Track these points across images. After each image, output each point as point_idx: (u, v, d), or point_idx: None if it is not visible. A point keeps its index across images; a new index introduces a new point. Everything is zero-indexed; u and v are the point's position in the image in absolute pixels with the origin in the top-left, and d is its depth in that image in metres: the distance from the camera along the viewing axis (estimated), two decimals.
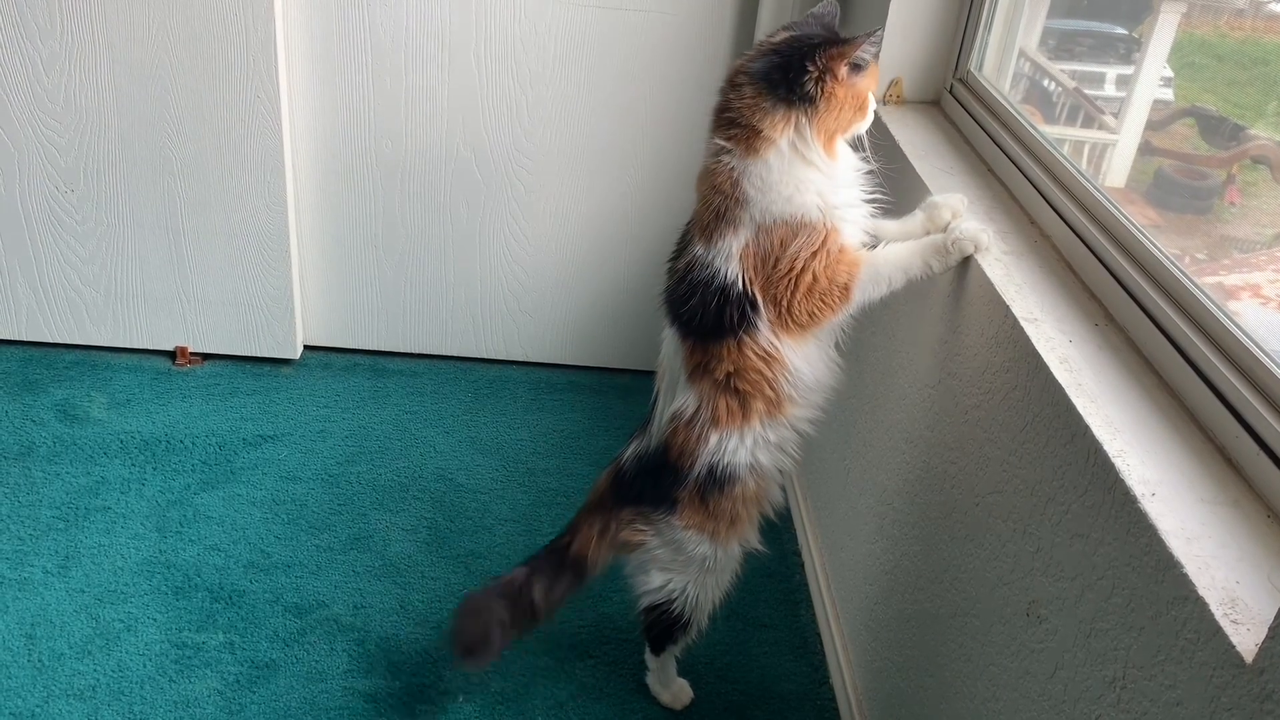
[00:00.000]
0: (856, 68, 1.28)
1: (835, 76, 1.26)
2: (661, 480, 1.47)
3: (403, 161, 2.36)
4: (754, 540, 1.56)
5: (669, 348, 1.45)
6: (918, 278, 1.34)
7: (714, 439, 1.40)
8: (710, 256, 1.32)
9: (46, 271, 2.40)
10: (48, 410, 2.30)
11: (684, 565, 1.54)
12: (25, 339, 2.49)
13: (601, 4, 2.20)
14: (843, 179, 1.32)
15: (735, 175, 1.29)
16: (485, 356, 2.62)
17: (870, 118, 1.34)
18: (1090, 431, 1.00)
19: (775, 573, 2.06)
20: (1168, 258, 1.15)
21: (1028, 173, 1.48)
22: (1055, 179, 1.42)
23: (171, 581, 1.90)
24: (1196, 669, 0.83)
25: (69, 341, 2.50)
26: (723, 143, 1.30)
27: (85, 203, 2.33)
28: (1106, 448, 0.98)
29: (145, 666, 1.73)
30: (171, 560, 1.94)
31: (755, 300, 1.32)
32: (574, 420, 2.45)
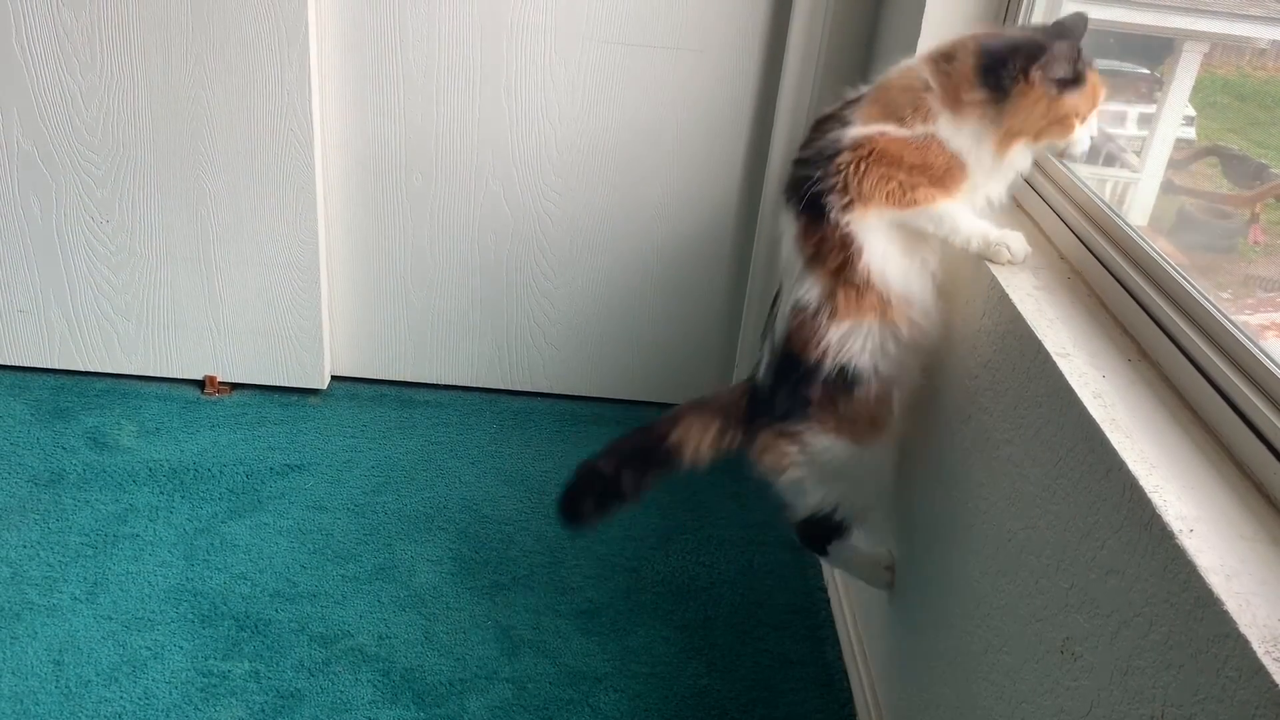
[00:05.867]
0: (1056, 81, 1.31)
1: (1028, 80, 1.31)
2: (793, 380, 1.45)
3: (432, 194, 2.39)
4: (894, 437, 1.53)
5: (787, 237, 1.44)
6: (956, 247, 1.39)
7: (835, 332, 1.40)
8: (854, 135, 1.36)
9: (80, 300, 2.44)
10: (78, 438, 2.32)
11: (837, 474, 1.50)
12: (58, 367, 2.52)
13: (629, 40, 2.23)
14: (994, 174, 1.37)
15: (930, 106, 1.35)
16: (511, 388, 2.63)
17: (1076, 137, 1.35)
18: (1126, 467, 1.00)
19: (801, 608, 2.05)
20: (1199, 292, 1.15)
21: (1057, 208, 1.49)
22: (1085, 214, 1.42)
23: (198, 609, 1.90)
24: (1238, 708, 0.82)
25: (100, 370, 2.53)
26: (930, 76, 1.36)
27: (120, 233, 2.37)
28: (1142, 483, 0.97)
29: (171, 694, 1.73)
30: (198, 588, 1.95)
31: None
32: (597, 452, 2.44)
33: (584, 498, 1.63)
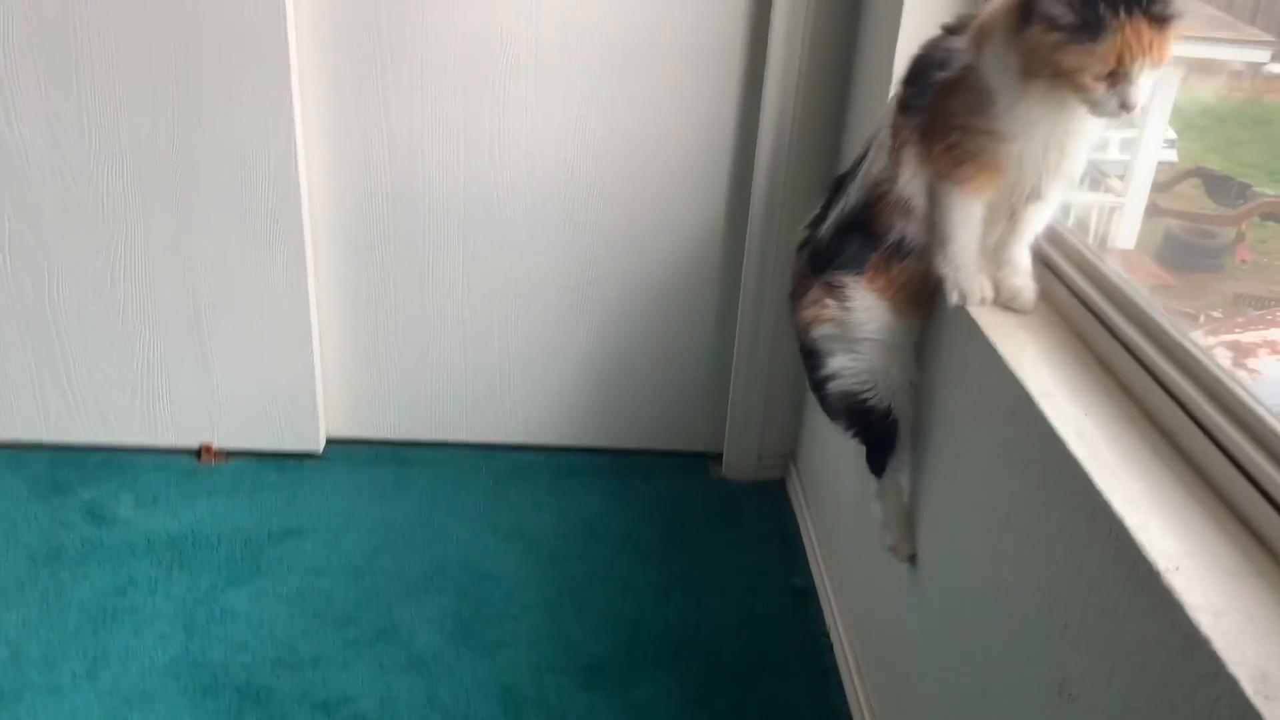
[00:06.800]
0: (1055, 23, 1.15)
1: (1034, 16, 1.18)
2: (857, 241, 1.45)
3: (421, 254, 2.41)
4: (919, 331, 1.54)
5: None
6: (936, 258, 1.39)
7: (900, 219, 1.40)
8: (966, 52, 1.29)
9: (75, 375, 2.45)
10: (76, 512, 2.32)
11: (862, 341, 1.49)
12: (54, 442, 2.53)
13: (610, 96, 2.26)
14: (1034, 121, 1.25)
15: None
16: (506, 442, 2.63)
17: (1097, 99, 1.17)
18: (1110, 506, 1.00)
19: (804, 654, 2.04)
20: (1174, 327, 1.16)
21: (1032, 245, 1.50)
22: (1060, 250, 1.43)
23: (199, 681, 1.89)
24: None
25: (96, 443, 2.53)
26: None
27: (112, 306, 2.38)
28: (1127, 522, 0.98)
29: None
30: (199, 659, 1.94)
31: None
32: (595, 504, 2.45)
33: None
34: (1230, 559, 0.94)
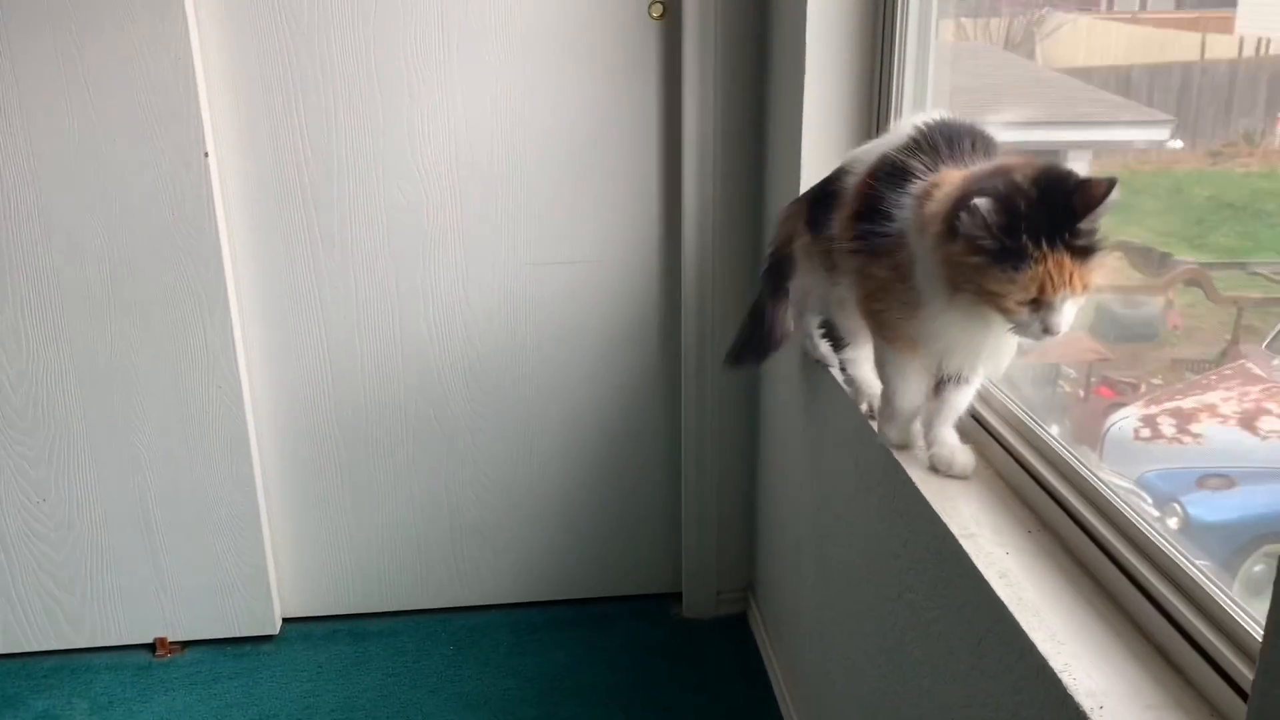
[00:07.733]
0: (980, 246, 1.13)
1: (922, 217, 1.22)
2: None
3: (363, 426, 2.45)
4: None
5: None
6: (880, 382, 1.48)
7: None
8: (908, 219, 1.26)
9: (21, 582, 2.42)
10: None
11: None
12: (2, 652, 2.47)
13: (535, 260, 2.35)
14: (960, 323, 1.22)
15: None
16: (465, 604, 2.63)
17: (1021, 321, 1.15)
18: (1036, 648, 1.05)
19: None
20: (1080, 461, 1.23)
21: None
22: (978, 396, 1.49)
23: None
24: None
25: (47, 648, 2.48)
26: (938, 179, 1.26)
27: (58, 510, 2.38)
28: (1052, 663, 1.02)
29: None
30: None
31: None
32: (559, 660, 2.44)
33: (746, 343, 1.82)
34: (1151, 693, 0.98)
